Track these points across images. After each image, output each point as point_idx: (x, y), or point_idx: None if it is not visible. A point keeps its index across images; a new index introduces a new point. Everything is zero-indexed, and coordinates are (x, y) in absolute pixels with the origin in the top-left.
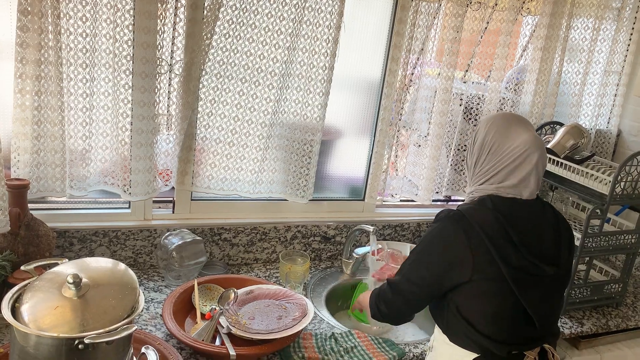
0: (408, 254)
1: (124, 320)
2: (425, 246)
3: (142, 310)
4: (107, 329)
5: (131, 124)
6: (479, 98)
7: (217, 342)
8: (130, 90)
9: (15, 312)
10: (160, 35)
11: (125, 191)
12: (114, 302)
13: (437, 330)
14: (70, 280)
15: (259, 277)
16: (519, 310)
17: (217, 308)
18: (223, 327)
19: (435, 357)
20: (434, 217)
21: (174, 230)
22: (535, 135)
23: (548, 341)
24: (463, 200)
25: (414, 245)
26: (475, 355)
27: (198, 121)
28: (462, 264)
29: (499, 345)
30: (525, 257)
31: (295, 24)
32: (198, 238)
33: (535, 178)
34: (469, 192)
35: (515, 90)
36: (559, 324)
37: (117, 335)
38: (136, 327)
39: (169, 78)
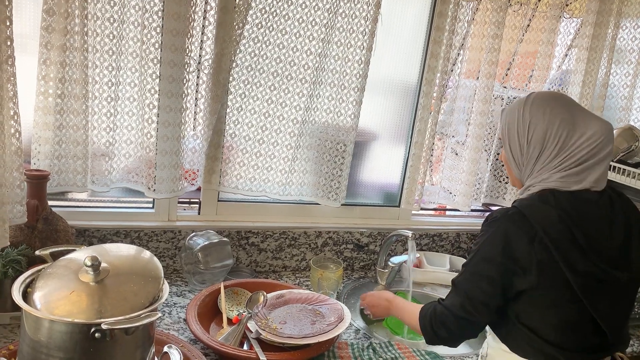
0: (447, 266)
1: (146, 308)
2: (482, 255)
3: (165, 299)
4: (127, 316)
5: (157, 116)
6: None
7: (245, 348)
8: (157, 80)
9: (27, 299)
10: (190, 24)
11: (149, 188)
12: (136, 289)
13: (493, 337)
14: (89, 263)
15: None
16: (588, 319)
17: (245, 312)
18: (252, 332)
19: None
20: (478, 224)
21: (199, 231)
22: (605, 122)
23: (619, 349)
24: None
25: (453, 256)
26: None
27: (227, 116)
28: (525, 269)
29: (568, 353)
30: (594, 262)
31: (330, 15)
32: (225, 239)
33: (603, 166)
34: (526, 185)
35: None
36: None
37: (137, 322)
38: (160, 314)
39: (198, 69)
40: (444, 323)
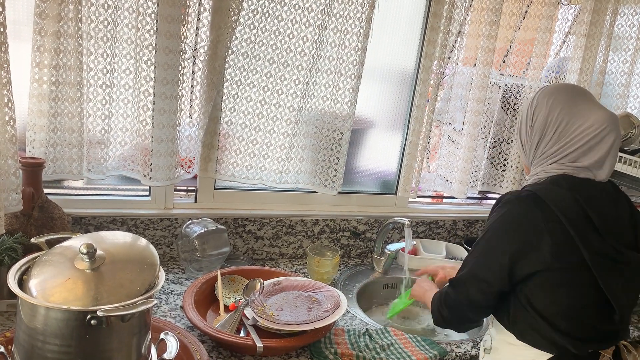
0: (444, 253)
1: (142, 295)
2: (494, 234)
3: (162, 286)
4: (123, 303)
5: (153, 103)
6: (518, 87)
7: (242, 334)
8: (152, 67)
9: (22, 286)
10: (185, 10)
11: (145, 176)
12: (132, 276)
13: (497, 329)
14: (84, 251)
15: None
16: (600, 302)
17: (242, 299)
18: (248, 319)
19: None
20: (474, 212)
21: (196, 219)
22: (610, 112)
23: (623, 336)
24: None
25: (449, 244)
26: (550, 355)
27: (223, 104)
28: (539, 249)
29: (577, 343)
30: (608, 241)
31: (327, 1)
32: (221, 227)
33: (611, 160)
34: (533, 172)
35: (556, 79)
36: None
37: (134, 309)
38: (155, 301)
39: (194, 56)
40: (447, 302)
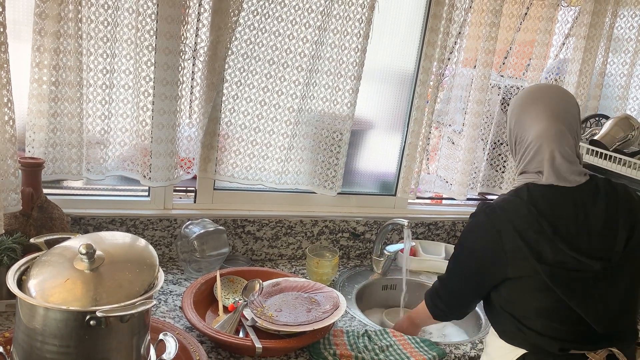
0: (443, 254)
1: (141, 295)
2: (462, 243)
3: (161, 287)
4: (122, 303)
5: (153, 104)
6: (517, 88)
7: (241, 335)
8: (152, 67)
9: (21, 286)
10: (185, 10)
11: (145, 176)
12: (131, 276)
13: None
14: (83, 251)
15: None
16: (568, 307)
17: (241, 300)
18: (247, 320)
19: (488, 353)
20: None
21: (195, 220)
22: (547, 124)
23: (617, 344)
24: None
25: (448, 245)
26: (524, 351)
27: (223, 104)
28: (497, 263)
29: (549, 340)
30: (564, 251)
31: (327, 2)
32: (221, 228)
33: (562, 167)
34: (516, 180)
35: (556, 81)
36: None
37: (133, 310)
38: (155, 302)
39: (194, 57)
40: (439, 295)
